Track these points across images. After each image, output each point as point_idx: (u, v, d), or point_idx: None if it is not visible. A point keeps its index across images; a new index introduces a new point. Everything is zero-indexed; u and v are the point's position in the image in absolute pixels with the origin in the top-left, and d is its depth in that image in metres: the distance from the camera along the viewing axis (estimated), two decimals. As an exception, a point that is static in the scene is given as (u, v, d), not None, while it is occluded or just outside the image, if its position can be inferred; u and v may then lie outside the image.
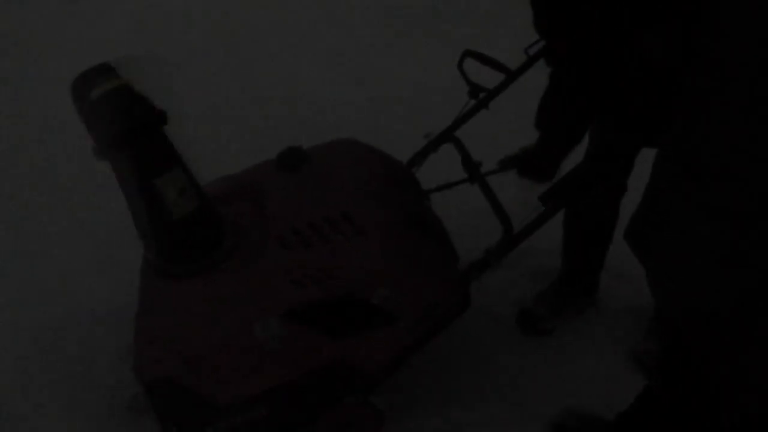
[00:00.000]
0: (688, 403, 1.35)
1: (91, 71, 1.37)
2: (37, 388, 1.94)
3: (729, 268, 1.03)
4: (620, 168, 1.75)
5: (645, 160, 1.37)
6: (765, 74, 0.91)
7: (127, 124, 1.35)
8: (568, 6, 1.33)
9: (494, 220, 1.58)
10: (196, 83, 3.12)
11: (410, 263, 1.49)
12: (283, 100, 3.09)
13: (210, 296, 1.47)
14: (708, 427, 1.33)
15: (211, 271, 1.50)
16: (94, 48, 3.30)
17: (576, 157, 1.61)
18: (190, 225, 1.47)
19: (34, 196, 2.57)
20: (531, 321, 2.05)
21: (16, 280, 2.25)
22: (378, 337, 1.49)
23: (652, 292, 1.23)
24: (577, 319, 2.09)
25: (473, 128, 1.79)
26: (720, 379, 1.20)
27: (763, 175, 0.95)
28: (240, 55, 3.42)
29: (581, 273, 2.08)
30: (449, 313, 1.57)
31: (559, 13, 1.37)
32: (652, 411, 1.46)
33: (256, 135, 2.78)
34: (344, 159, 1.67)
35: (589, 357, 1.99)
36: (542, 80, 1.52)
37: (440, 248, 1.61)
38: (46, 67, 3.28)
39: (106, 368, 1.98)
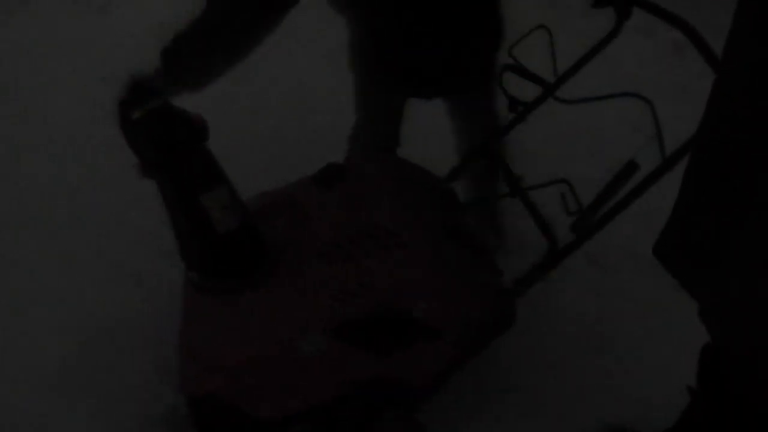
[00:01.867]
0: (732, 419, 1.32)
1: (132, 90, 1.39)
2: (74, 399, 1.95)
3: None
4: None
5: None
6: None
7: (168, 144, 1.36)
8: None
9: (538, 234, 1.57)
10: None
11: (452, 277, 1.49)
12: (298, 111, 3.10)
13: (252, 312, 1.48)
14: None
15: (253, 287, 1.51)
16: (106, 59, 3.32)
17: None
18: (233, 241, 1.48)
19: (75, 207, 2.60)
20: None
21: (54, 291, 2.27)
22: (421, 352, 1.49)
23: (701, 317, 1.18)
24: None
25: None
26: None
27: None
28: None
29: None
30: (493, 329, 1.56)
31: None
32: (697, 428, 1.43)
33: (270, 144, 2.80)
34: (383, 173, 1.67)
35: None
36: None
37: (482, 263, 1.60)
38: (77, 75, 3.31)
39: (142, 380, 1.99)
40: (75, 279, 2.30)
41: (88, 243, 2.43)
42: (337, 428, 1.58)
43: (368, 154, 1.80)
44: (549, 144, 2.31)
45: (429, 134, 2.15)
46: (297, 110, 2.99)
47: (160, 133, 1.37)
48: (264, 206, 1.66)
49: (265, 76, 2.97)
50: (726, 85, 1.02)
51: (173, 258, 1.61)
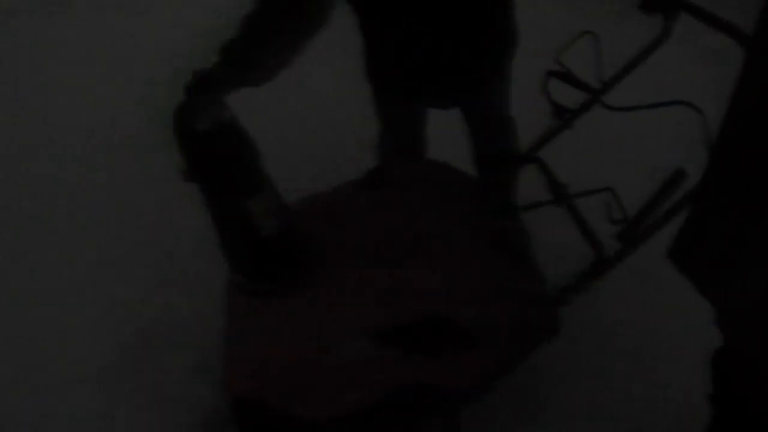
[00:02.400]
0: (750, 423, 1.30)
1: (195, 99, 1.40)
2: (115, 401, 1.98)
3: None
4: None
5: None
6: None
7: (233, 160, 1.38)
8: None
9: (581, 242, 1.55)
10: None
11: (497, 285, 1.48)
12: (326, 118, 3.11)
13: (296, 315, 1.49)
14: None
15: (296, 290, 1.52)
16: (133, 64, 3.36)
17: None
18: (278, 244, 1.49)
19: (120, 208, 2.63)
20: None
21: (97, 293, 2.31)
22: (463, 358, 1.48)
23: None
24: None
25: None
26: None
27: None
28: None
29: None
30: (537, 336, 1.55)
31: None
32: None
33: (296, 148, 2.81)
34: (426, 179, 1.68)
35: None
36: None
37: (525, 270, 1.59)
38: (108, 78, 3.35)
39: (182, 382, 2.01)
40: (117, 281, 2.34)
41: (131, 245, 2.47)
42: (379, 433, 1.58)
43: (408, 160, 1.80)
44: (592, 152, 2.29)
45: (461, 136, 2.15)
46: (328, 116, 3.01)
47: (226, 148, 1.39)
48: (306, 210, 1.68)
49: (295, 82, 3.00)
50: (748, 84, 1.01)
51: (215, 260, 1.63)
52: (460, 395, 1.55)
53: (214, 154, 1.39)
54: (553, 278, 1.63)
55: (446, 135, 2.05)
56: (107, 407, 1.96)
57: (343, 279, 1.49)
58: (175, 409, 1.94)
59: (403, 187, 1.64)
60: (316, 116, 3.02)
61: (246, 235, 1.47)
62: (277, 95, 3.00)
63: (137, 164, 2.80)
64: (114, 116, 3.07)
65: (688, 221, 1.19)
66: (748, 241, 1.02)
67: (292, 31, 1.43)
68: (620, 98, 1.61)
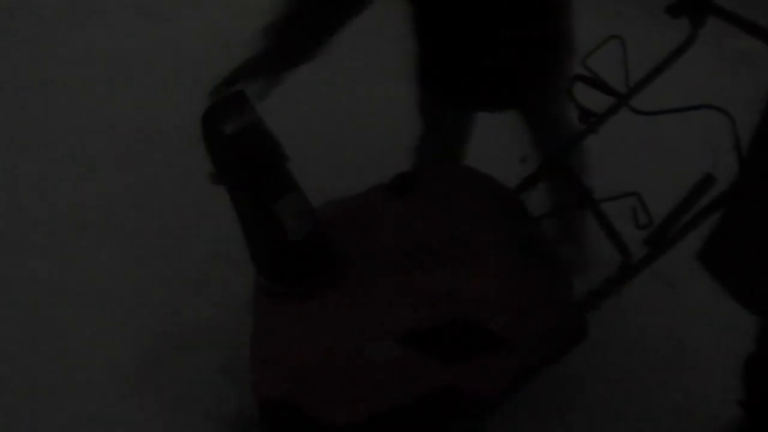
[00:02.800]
0: None
1: (225, 102, 1.42)
2: (141, 402, 2.00)
3: None
4: None
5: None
6: None
7: (259, 163, 1.40)
8: None
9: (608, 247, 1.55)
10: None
11: (526, 289, 1.48)
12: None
13: (323, 318, 1.50)
14: None
15: (324, 293, 1.52)
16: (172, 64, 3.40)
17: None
18: (305, 247, 1.50)
19: (145, 211, 2.66)
20: None
21: (124, 294, 2.34)
22: (492, 363, 1.48)
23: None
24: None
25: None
26: None
27: None
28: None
29: None
30: (565, 342, 1.54)
31: None
32: None
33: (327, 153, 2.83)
34: (454, 183, 1.68)
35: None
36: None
37: (554, 275, 1.59)
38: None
39: (208, 383, 2.03)
40: (144, 283, 2.36)
41: (157, 246, 2.50)
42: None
43: (437, 164, 1.80)
44: (618, 156, 2.27)
45: (494, 144, 2.15)
46: (357, 119, 3.02)
47: (253, 151, 1.40)
48: (333, 214, 1.68)
49: (325, 84, 3.02)
50: None
51: (241, 262, 1.64)
52: (489, 400, 1.55)
53: (241, 157, 1.40)
54: (580, 283, 1.63)
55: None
56: (133, 409, 1.98)
57: (371, 283, 1.50)
58: (203, 409, 1.95)
59: (431, 191, 1.64)
60: (344, 118, 3.03)
61: (273, 237, 1.48)
62: (306, 98, 3.05)
63: (163, 167, 2.84)
64: (140, 119, 3.11)
65: (719, 224, 1.19)
66: None
67: (336, 7, 1.46)
68: (647, 102, 1.60)
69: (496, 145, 2.54)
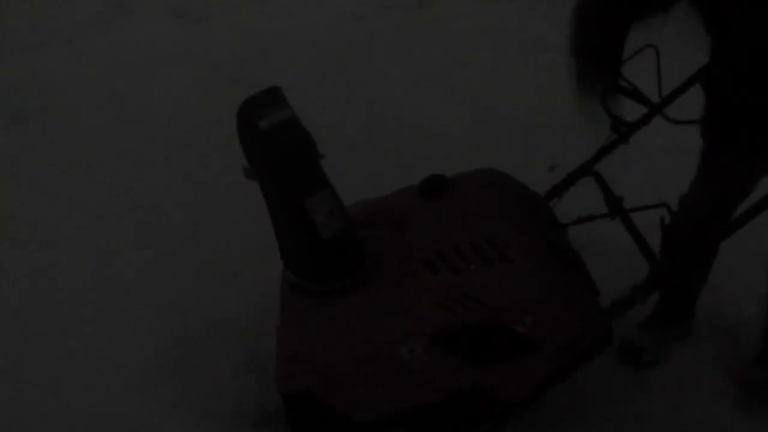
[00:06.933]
0: None
1: (260, 97, 1.44)
2: (166, 393, 2.02)
3: None
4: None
5: None
6: None
7: (293, 159, 1.43)
8: None
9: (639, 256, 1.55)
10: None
11: (555, 292, 1.48)
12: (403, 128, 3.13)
13: (352, 315, 1.52)
14: None
15: (353, 291, 1.54)
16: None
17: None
18: (336, 245, 1.52)
19: (174, 204, 2.69)
20: (634, 353, 1.88)
21: (150, 286, 2.36)
22: (519, 365, 1.48)
23: None
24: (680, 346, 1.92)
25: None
26: None
27: None
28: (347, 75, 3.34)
29: (684, 296, 1.83)
30: (591, 348, 1.54)
31: None
32: None
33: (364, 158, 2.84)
34: (485, 187, 1.69)
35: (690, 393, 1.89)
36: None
37: (581, 281, 1.59)
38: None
39: (232, 377, 2.04)
40: (171, 275, 2.38)
41: (185, 240, 2.52)
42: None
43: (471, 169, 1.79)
44: (647, 166, 2.26)
45: (523, 151, 2.15)
46: (390, 120, 3.03)
47: (287, 147, 1.43)
48: (364, 214, 1.70)
49: (358, 83, 3.04)
50: None
51: (268, 257, 1.65)
52: (514, 402, 1.56)
53: (274, 152, 1.43)
54: (606, 291, 1.63)
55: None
56: (157, 402, 2.00)
57: (400, 282, 1.52)
58: (226, 401, 1.97)
59: (462, 194, 1.66)
60: (379, 119, 3.04)
61: (304, 234, 1.50)
62: (341, 96, 3.07)
63: (191, 164, 2.87)
64: (175, 116, 3.15)
65: None
66: None
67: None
68: (680, 112, 1.60)
69: (525, 152, 2.55)
